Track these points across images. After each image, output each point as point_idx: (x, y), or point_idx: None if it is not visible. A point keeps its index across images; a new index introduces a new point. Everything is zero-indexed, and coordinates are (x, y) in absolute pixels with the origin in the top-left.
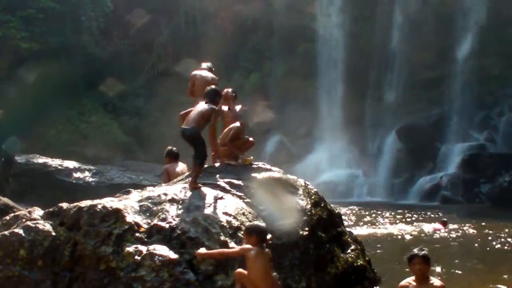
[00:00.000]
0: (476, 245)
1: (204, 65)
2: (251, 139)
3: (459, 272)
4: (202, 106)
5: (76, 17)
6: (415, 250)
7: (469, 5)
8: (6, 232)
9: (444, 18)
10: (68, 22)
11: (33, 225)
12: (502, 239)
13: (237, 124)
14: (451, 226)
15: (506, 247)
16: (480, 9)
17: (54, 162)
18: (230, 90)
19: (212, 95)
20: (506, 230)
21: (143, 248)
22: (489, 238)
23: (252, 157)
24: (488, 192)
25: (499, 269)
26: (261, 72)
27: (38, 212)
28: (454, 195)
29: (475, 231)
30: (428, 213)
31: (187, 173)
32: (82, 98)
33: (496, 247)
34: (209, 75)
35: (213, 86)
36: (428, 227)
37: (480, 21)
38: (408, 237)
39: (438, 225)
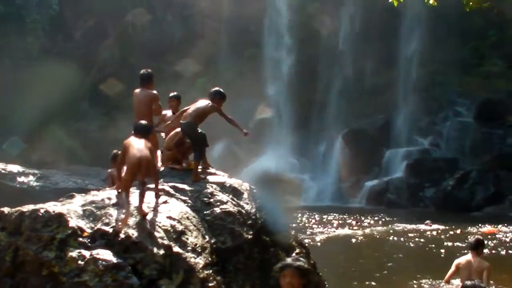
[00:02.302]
0: (416, 248)
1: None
2: None
3: (396, 276)
4: (201, 102)
5: (21, 19)
6: (289, 260)
7: (414, 13)
8: None
9: (390, 25)
10: (12, 24)
11: None
12: (443, 243)
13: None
14: (393, 229)
15: (444, 251)
16: (424, 17)
17: None
18: (174, 94)
19: (213, 95)
20: (449, 234)
21: (87, 253)
22: (430, 241)
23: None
24: (433, 196)
25: (437, 274)
26: (208, 76)
27: None
28: (399, 199)
29: (417, 234)
30: (373, 217)
31: None
32: None
33: (435, 250)
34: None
35: (217, 88)
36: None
37: (424, 28)
38: (354, 240)
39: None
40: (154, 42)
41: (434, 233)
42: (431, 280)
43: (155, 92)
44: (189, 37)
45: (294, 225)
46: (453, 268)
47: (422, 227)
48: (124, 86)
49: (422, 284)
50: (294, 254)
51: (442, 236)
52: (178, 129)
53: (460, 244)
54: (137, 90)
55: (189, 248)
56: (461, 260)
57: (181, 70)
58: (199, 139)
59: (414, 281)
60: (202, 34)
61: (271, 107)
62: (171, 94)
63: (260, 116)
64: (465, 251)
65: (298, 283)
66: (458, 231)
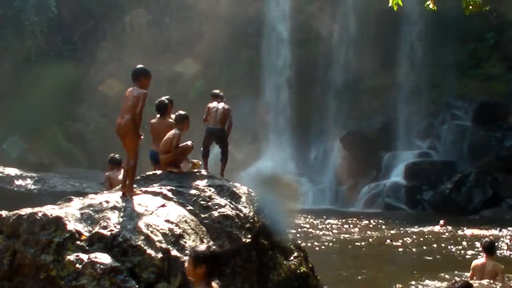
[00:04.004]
0: (416, 251)
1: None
2: (189, 143)
3: (396, 279)
4: (221, 106)
5: (19, 21)
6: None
7: (412, 15)
8: None
9: (388, 27)
10: (11, 26)
11: None
12: (438, 246)
13: (177, 131)
14: (392, 232)
15: (445, 253)
16: (422, 20)
17: None
18: (167, 97)
19: (222, 97)
20: (450, 236)
21: (84, 257)
22: (431, 244)
23: (200, 162)
24: (431, 199)
25: (438, 276)
26: (206, 78)
27: None
28: (397, 202)
29: (417, 237)
30: (372, 220)
31: None
32: None
33: (436, 253)
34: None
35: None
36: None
37: (423, 31)
38: (352, 243)
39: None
40: (152, 43)
41: (434, 235)
42: (431, 282)
43: (171, 120)
44: (187, 39)
45: (293, 229)
46: (471, 271)
47: (426, 229)
48: (123, 87)
49: (423, 287)
50: (292, 258)
51: (443, 238)
52: (173, 132)
53: (461, 247)
54: (156, 120)
55: (187, 251)
56: (477, 262)
57: (179, 71)
58: (227, 144)
59: (415, 284)
60: (200, 36)
61: (269, 109)
62: (164, 98)
63: (257, 119)
64: (480, 254)
65: (191, 270)
66: (460, 233)
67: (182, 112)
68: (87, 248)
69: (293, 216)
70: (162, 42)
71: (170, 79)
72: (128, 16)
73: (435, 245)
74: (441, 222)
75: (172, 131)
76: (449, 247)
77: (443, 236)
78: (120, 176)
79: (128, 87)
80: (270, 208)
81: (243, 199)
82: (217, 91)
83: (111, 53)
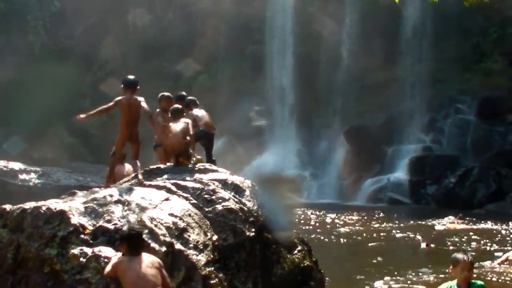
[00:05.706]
0: (415, 245)
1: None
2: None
3: (398, 272)
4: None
5: (22, 16)
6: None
7: (415, 11)
8: None
9: (391, 22)
10: (14, 21)
11: None
12: (442, 240)
13: (189, 120)
14: (395, 226)
15: (449, 247)
16: (425, 14)
17: None
18: (165, 94)
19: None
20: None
21: (88, 250)
22: (435, 238)
23: (202, 157)
24: (434, 193)
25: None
26: (210, 73)
27: None
28: (401, 197)
29: (420, 231)
30: (375, 214)
31: (133, 175)
32: None
33: (440, 247)
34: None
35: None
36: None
37: (425, 25)
38: (356, 237)
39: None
40: (155, 40)
41: (438, 230)
42: (435, 275)
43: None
44: (190, 35)
45: (295, 222)
46: (503, 257)
47: (430, 223)
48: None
49: (425, 279)
50: (295, 252)
51: (447, 233)
52: (186, 121)
53: (466, 241)
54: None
55: (191, 245)
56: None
57: (182, 68)
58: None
59: (418, 277)
60: (203, 32)
61: (272, 105)
62: (167, 94)
63: (261, 114)
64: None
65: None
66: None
67: (179, 106)
68: (91, 241)
69: (294, 212)
70: (165, 38)
71: (173, 75)
72: (131, 12)
73: (439, 239)
74: (459, 216)
75: (184, 119)
76: (453, 241)
77: (448, 230)
78: (123, 171)
79: None
80: (271, 208)
81: (247, 192)
82: (193, 98)
83: (114, 49)
